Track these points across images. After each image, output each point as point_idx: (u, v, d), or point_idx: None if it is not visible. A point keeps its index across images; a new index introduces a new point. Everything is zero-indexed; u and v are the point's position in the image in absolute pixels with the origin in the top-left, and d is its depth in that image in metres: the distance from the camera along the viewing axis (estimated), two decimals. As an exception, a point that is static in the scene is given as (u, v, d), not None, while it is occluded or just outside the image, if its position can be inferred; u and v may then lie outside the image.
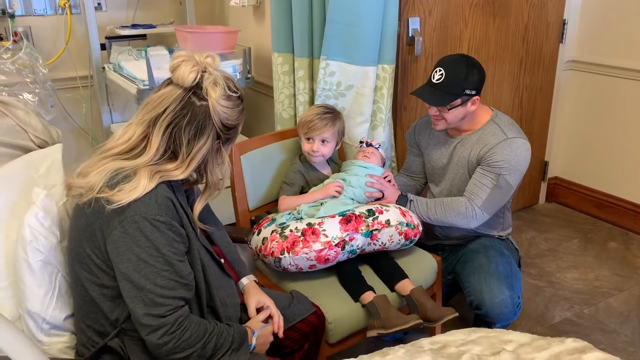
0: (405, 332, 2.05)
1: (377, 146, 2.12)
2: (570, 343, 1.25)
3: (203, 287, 1.34)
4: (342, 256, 1.78)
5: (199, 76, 1.26)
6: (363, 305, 1.75)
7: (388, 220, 1.83)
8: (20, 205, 1.40)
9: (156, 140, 1.26)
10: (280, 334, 1.49)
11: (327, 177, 2.03)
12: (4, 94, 2.64)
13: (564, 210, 3.31)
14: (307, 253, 1.72)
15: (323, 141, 1.97)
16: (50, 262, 1.34)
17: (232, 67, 2.55)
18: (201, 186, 1.44)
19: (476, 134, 2.00)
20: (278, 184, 2.06)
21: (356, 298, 1.77)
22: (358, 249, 1.81)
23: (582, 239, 2.98)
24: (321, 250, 1.73)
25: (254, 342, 1.39)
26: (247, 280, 1.57)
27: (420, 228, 1.94)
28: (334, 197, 1.91)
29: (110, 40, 2.91)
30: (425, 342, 1.30)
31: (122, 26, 2.94)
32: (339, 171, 2.08)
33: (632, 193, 3.01)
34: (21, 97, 2.69)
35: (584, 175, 3.24)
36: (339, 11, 2.12)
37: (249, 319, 1.50)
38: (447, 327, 1.65)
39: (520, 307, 1.95)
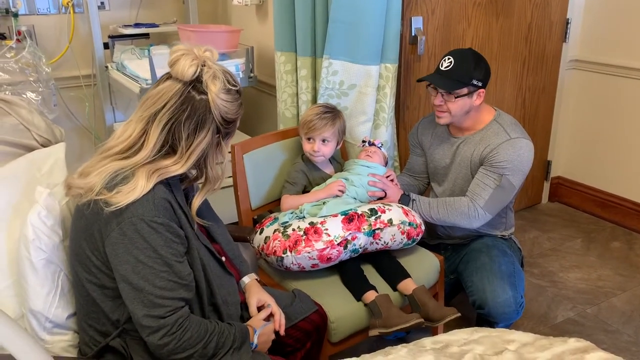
0: (407, 332, 2.05)
1: (379, 145, 2.12)
2: (573, 343, 1.25)
3: (204, 287, 1.34)
4: (345, 255, 1.78)
5: (198, 70, 1.26)
6: (365, 305, 1.75)
7: (390, 219, 1.83)
8: (23, 204, 1.40)
9: (154, 136, 1.26)
10: (282, 332, 1.49)
11: (330, 176, 2.03)
12: (7, 92, 2.65)
13: (566, 209, 3.30)
14: (309, 252, 1.72)
15: (324, 141, 1.97)
16: (53, 261, 1.34)
17: (234, 66, 2.55)
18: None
19: (479, 133, 2.00)
20: (280, 183, 2.06)
21: (358, 297, 1.77)
22: (360, 248, 1.81)
23: (585, 238, 2.97)
24: (323, 249, 1.73)
25: (255, 340, 1.39)
26: (248, 279, 1.57)
27: (423, 227, 1.94)
28: (337, 196, 1.91)
29: (113, 39, 2.91)
30: (427, 341, 1.30)
31: (125, 25, 2.94)
32: (342, 170, 2.08)
33: (635, 193, 3.00)
34: (24, 96, 2.70)
35: (587, 174, 3.23)
36: (341, 10, 2.12)
37: (250, 317, 1.50)
38: (449, 326, 1.65)
39: (523, 306, 1.94)
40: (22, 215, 1.35)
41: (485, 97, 1.97)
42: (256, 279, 1.58)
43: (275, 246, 1.76)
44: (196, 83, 1.27)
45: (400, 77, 2.45)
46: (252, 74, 2.62)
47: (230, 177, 1.99)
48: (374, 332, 1.71)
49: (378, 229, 1.80)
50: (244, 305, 1.52)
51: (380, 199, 1.99)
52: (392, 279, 1.85)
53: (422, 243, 2.05)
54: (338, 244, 1.74)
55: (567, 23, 2.97)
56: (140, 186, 1.21)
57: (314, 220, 1.77)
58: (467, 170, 2.02)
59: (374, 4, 2.09)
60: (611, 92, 2.98)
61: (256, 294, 1.53)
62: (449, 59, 1.91)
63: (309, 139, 1.98)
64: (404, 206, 1.93)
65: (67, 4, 2.87)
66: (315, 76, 2.38)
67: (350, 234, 1.75)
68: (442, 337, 1.31)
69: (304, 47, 2.32)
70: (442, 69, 1.91)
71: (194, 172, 1.41)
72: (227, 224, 1.64)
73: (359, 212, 1.80)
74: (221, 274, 1.42)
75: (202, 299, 1.34)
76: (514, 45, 2.81)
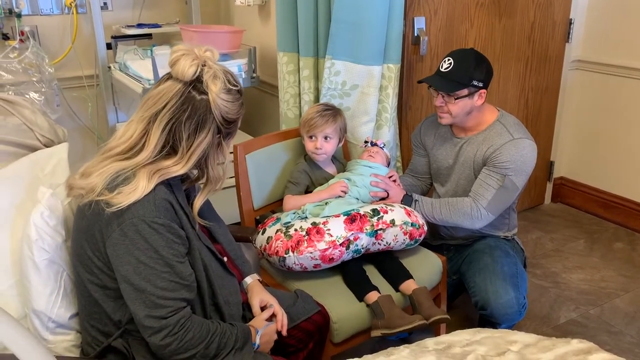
0: (410, 332, 2.05)
1: (382, 146, 2.12)
2: (576, 344, 1.25)
3: (205, 287, 1.34)
4: (347, 256, 1.78)
5: (199, 70, 1.26)
6: (368, 305, 1.75)
7: (393, 219, 1.82)
8: (26, 204, 1.40)
9: (155, 137, 1.26)
10: (284, 332, 1.49)
11: (332, 176, 2.03)
12: (10, 92, 2.66)
13: (569, 210, 3.29)
14: (311, 252, 1.72)
15: (326, 138, 1.97)
16: (56, 261, 1.34)
17: (237, 67, 2.55)
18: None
19: (482, 134, 2.00)
20: (283, 183, 2.06)
21: (361, 298, 1.77)
22: (363, 248, 1.80)
23: (588, 239, 2.97)
24: (326, 249, 1.72)
25: (257, 340, 1.39)
26: (250, 280, 1.57)
27: (425, 228, 1.93)
28: (339, 196, 1.91)
29: (116, 39, 2.91)
30: (430, 342, 1.29)
31: (128, 25, 2.95)
32: (344, 170, 2.08)
33: (638, 193, 2.99)
34: (27, 96, 2.71)
35: (589, 175, 3.22)
36: (344, 10, 2.12)
37: (252, 317, 1.50)
38: (451, 327, 1.64)
39: (526, 307, 1.94)
40: (25, 215, 1.35)
41: (488, 97, 1.97)
42: (258, 280, 1.58)
43: (277, 246, 1.76)
44: (196, 83, 1.26)
45: (402, 77, 2.45)
46: (254, 75, 2.62)
47: (232, 177, 1.99)
48: (376, 333, 1.71)
49: (380, 229, 1.80)
50: (246, 305, 1.52)
51: (383, 199, 1.99)
52: (395, 279, 1.85)
53: (425, 244, 2.05)
54: (340, 245, 1.74)
55: (570, 23, 2.97)
56: (141, 187, 1.21)
57: (317, 220, 1.77)
58: (470, 170, 2.02)
59: (376, 4, 2.09)
60: (614, 92, 2.98)
61: (258, 294, 1.53)
62: (449, 60, 1.91)
63: (310, 137, 1.98)
64: (406, 207, 1.93)
65: (70, 4, 2.87)
66: (317, 76, 2.38)
67: (352, 234, 1.75)
68: (445, 338, 1.31)
69: (307, 47, 2.32)
70: (442, 70, 1.91)
71: (195, 172, 1.40)
72: (230, 224, 1.64)
73: (362, 212, 1.80)
74: (223, 274, 1.42)
75: (203, 299, 1.34)
76: (517, 46, 2.81)
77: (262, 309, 1.51)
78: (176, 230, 1.25)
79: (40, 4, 2.84)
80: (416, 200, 2.01)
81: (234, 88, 1.30)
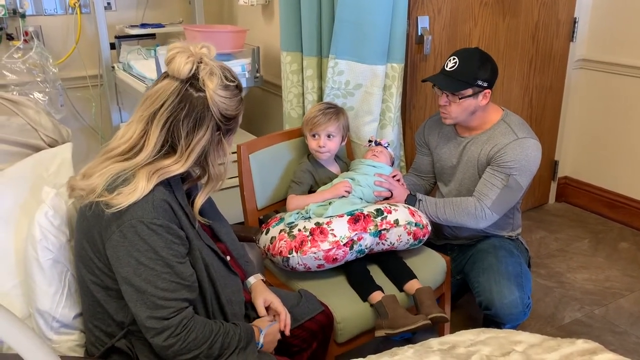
0: (414, 332, 2.04)
1: (386, 145, 2.12)
2: (581, 344, 1.24)
3: (207, 287, 1.33)
4: (351, 256, 1.78)
5: (194, 67, 1.24)
6: (371, 305, 1.75)
7: (397, 219, 1.82)
8: (30, 203, 1.41)
9: (154, 136, 1.25)
10: (287, 332, 1.49)
11: (336, 176, 2.03)
12: (14, 93, 2.67)
13: (574, 210, 3.28)
14: (315, 252, 1.72)
15: (329, 136, 1.97)
16: (60, 260, 1.34)
17: (240, 66, 2.55)
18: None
19: (486, 133, 1.99)
20: (286, 183, 2.06)
21: (364, 298, 1.76)
22: (366, 248, 1.80)
23: (593, 239, 2.96)
24: (329, 249, 1.72)
25: (261, 340, 1.38)
26: (254, 279, 1.56)
27: (429, 228, 1.93)
28: (343, 196, 1.90)
29: (120, 39, 2.92)
30: (434, 342, 1.29)
31: (132, 25, 2.95)
32: (347, 170, 2.08)
33: (643, 193, 2.99)
34: (32, 96, 2.72)
35: (594, 174, 3.21)
36: (348, 10, 2.11)
37: (255, 316, 1.49)
38: (456, 327, 1.64)
39: (530, 307, 1.93)
40: (29, 215, 1.35)
41: (492, 96, 1.97)
42: (262, 279, 1.58)
43: (281, 246, 1.75)
44: (193, 80, 1.25)
45: (406, 76, 2.44)
46: (258, 74, 2.62)
47: (235, 177, 1.99)
48: (380, 333, 1.71)
49: (384, 229, 1.80)
50: (250, 305, 1.52)
51: (387, 199, 1.99)
52: (398, 279, 1.85)
53: (429, 243, 2.05)
54: (344, 245, 1.74)
55: (575, 22, 2.96)
56: (140, 187, 1.20)
57: (320, 220, 1.77)
58: (474, 170, 2.01)
59: (380, 3, 2.09)
60: (619, 91, 2.96)
61: (262, 294, 1.52)
62: (454, 59, 1.90)
63: (313, 135, 1.98)
64: (410, 206, 1.92)
65: (74, 4, 2.88)
66: (321, 76, 2.37)
67: (356, 234, 1.75)
68: (449, 338, 1.30)
69: (310, 47, 2.32)
70: (447, 69, 1.91)
71: (197, 170, 1.40)
72: (233, 224, 1.64)
73: (365, 212, 1.80)
74: (225, 274, 1.41)
75: (206, 298, 1.34)
76: (521, 45, 2.80)
77: (267, 308, 1.51)
78: (175, 231, 1.25)
79: (44, 4, 2.85)
80: (420, 200, 2.01)
81: (231, 84, 1.29)
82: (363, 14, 2.10)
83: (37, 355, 0.86)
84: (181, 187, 1.36)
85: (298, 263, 1.74)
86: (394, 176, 2.04)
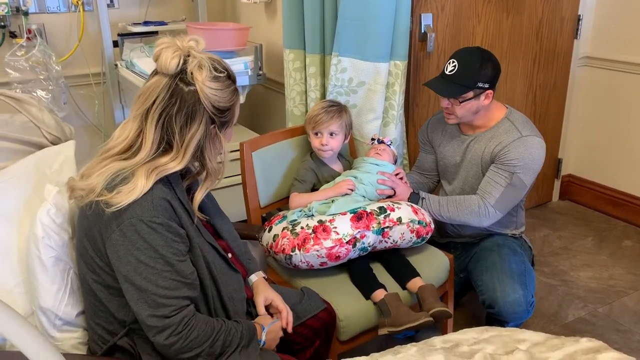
0: (416, 330, 2.04)
1: (388, 143, 2.11)
2: (585, 342, 1.24)
3: (209, 284, 1.33)
4: (353, 254, 1.78)
5: (181, 61, 1.23)
6: (374, 303, 1.75)
7: (400, 217, 1.82)
8: (33, 201, 1.41)
9: (150, 135, 1.24)
10: (289, 329, 1.48)
11: (339, 174, 2.02)
12: (17, 90, 2.67)
13: (577, 208, 3.27)
14: (318, 250, 1.71)
15: (332, 134, 1.96)
16: (62, 258, 1.35)
17: (243, 64, 2.55)
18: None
19: (490, 131, 1.98)
20: (289, 181, 2.06)
21: (367, 296, 1.76)
22: (369, 246, 1.80)
23: (596, 237, 2.95)
24: (332, 247, 1.72)
25: (263, 337, 1.38)
26: (255, 277, 1.56)
27: (433, 226, 1.92)
28: (346, 194, 1.90)
29: (123, 37, 2.92)
30: (437, 340, 1.29)
31: (134, 23, 2.95)
32: (350, 168, 2.07)
33: (647, 191, 2.98)
34: (35, 94, 2.72)
35: (598, 172, 3.20)
36: (350, 7, 2.11)
37: (257, 313, 1.49)
38: (459, 325, 1.64)
39: (534, 305, 1.93)
40: (32, 212, 1.35)
41: (496, 94, 1.96)
42: (263, 277, 1.58)
43: (283, 244, 1.75)
44: (182, 75, 1.24)
45: (409, 74, 2.44)
46: (260, 72, 2.61)
47: (238, 175, 1.99)
48: (383, 331, 1.71)
49: (387, 227, 1.79)
50: (251, 302, 1.52)
51: (390, 197, 1.98)
52: (401, 277, 1.84)
53: (432, 241, 2.04)
54: (347, 242, 1.73)
55: (579, 19, 2.94)
56: (140, 186, 1.20)
57: (323, 218, 1.77)
58: (477, 168, 2.01)
59: (383, 1, 2.08)
60: (623, 89, 2.95)
61: (263, 292, 1.52)
62: (453, 62, 1.89)
63: (316, 133, 1.98)
64: (413, 204, 1.92)
65: (77, 2, 2.87)
66: (324, 74, 2.37)
67: (359, 232, 1.75)
68: (452, 336, 1.30)
69: (313, 44, 2.32)
70: (447, 72, 1.90)
71: (197, 165, 1.38)
72: (236, 222, 1.63)
73: (368, 210, 1.79)
74: (226, 271, 1.41)
75: (207, 296, 1.33)
76: (525, 42, 2.79)
77: (267, 307, 1.51)
78: (175, 229, 1.24)
79: (47, 1, 2.85)
80: (423, 198, 2.00)
81: (221, 75, 1.27)
82: (366, 11, 2.10)
83: (39, 352, 0.86)
84: (181, 183, 1.35)
85: (301, 261, 1.74)
86: (397, 174, 2.04)
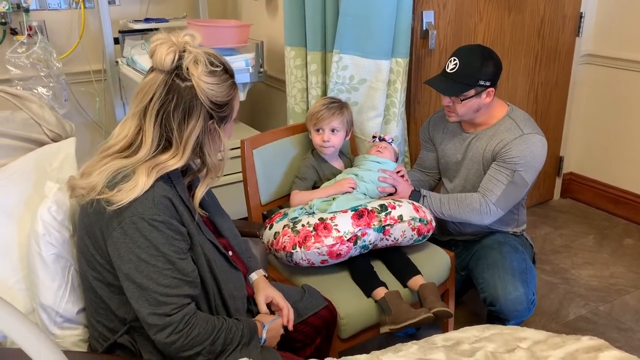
0: (417, 328, 2.04)
1: (390, 141, 2.11)
2: (587, 341, 1.23)
3: (210, 282, 1.33)
4: (354, 251, 1.77)
5: (176, 57, 1.22)
6: (375, 301, 1.74)
7: (401, 215, 1.81)
8: (33, 198, 1.41)
9: (149, 132, 1.24)
10: (290, 327, 1.48)
11: (340, 171, 2.02)
12: (18, 87, 2.66)
13: (578, 206, 3.27)
14: (318, 248, 1.71)
15: (333, 130, 1.96)
16: (63, 255, 1.34)
17: (244, 61, 2.54)
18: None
19: (491, 129, 1.98)
20: (290, 179, 2.06)
21: (368, 293, 1.76)
22: (370, 244, 1.80)
23: (598, 235, 2.94)
24: (333, 245, 1.72)
25: (264, 335, 1.38)
26: (256, 275, 1.56)
27: (434, 224, 1.92)
28: (347, 192, 1.90)
29: (124, 34, 2.91)
30: (438, 338, 1.29)
31: (135, 20, 2.94)
32: (351, 165, 2.07)
33: (649, 189, 2.97)
34: (35, 91, 2.71)
35: (599, 170, 3.19)
36: (352, 4, 2.10)
37: (258, 311, 1.49)
38: (460, 323, 1.63)
39: (535, 303, 1.92)
40: (33, 210, 1.35)
41: (497, 92, 1.95)
42: (264, 275, 1.58)
43: (284, 242, 1.75)
44: (178, 70, 1.23)
45: (411, 71, 2.43)
46: (261, 69, 2.61)
47: (239, 172, 1.98)
48: (384, 329, 1.70)
49: (388, 225, 1.79)
50: (252, 299, 1.52)
51: (391, 194, 1.98)
52: (402, 275, 1.84)
53: (433, 239, 2.04)
54: (348, 240, 1.73)
55: (581, 17, 2.94)
56: (140, 183, 1.20)
57: (324, 216, 1.76)
58: (479, 165, 2.00)
59: (384, -2, 2.08)
60: (625, 87, 2.94)
61: (264, 291, 1.52)
62: (454, 60, 1.88)
63: (317, 130, 1.97)
64: (414, 202, 1.92)
65: (78, -1, 2.87)
66: (325, 71, 2.36)
67: (360, 230, 1.74)
68: (453, 334, 1.30)
69: (314, 41, 2.31)
70: (448, 70, 1.89)
71: (197, 162, 1.38)
72: (237, 219, 1.63)
73: (369, 208, 1.79)
74: (227, 269, 1.41)
75: (208, 294, 1.33)
76: (527, 40, 2.78)
77: (268, 304, 1.50)
78: (176, 227, 1.24)
79: (48, -2, 2.84)
80: (424, 196, 2.00)
81: (217, 69, 1.26)
82: (368, 8, 2.09)
83: (40, 350, 0.86)
84: (182, 180, 1.35)
85: (302, 258, 1.74)
86: (398, 172, 2.03)
